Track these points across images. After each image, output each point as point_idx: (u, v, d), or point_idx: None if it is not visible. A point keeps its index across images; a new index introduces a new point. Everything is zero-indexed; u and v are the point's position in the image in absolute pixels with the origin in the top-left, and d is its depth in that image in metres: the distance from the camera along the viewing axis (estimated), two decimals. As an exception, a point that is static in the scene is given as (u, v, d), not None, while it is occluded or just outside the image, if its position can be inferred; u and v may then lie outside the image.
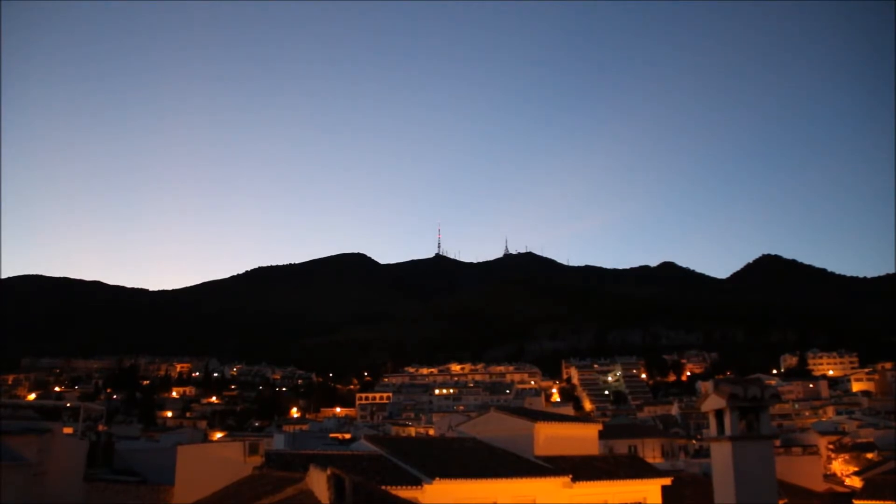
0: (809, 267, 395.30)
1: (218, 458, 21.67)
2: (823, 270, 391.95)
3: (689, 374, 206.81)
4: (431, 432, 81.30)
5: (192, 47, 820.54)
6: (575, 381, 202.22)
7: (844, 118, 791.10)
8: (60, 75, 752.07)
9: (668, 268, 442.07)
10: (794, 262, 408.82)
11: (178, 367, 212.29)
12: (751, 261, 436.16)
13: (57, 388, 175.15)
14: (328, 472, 11.90)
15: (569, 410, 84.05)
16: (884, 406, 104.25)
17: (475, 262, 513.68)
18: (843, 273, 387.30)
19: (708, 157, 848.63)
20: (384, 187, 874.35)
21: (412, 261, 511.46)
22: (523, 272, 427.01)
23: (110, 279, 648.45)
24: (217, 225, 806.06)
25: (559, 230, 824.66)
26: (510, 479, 21.11)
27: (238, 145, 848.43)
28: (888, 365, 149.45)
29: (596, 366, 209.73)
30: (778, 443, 53.70)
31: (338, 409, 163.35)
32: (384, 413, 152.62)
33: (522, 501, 21.29)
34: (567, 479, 22.01)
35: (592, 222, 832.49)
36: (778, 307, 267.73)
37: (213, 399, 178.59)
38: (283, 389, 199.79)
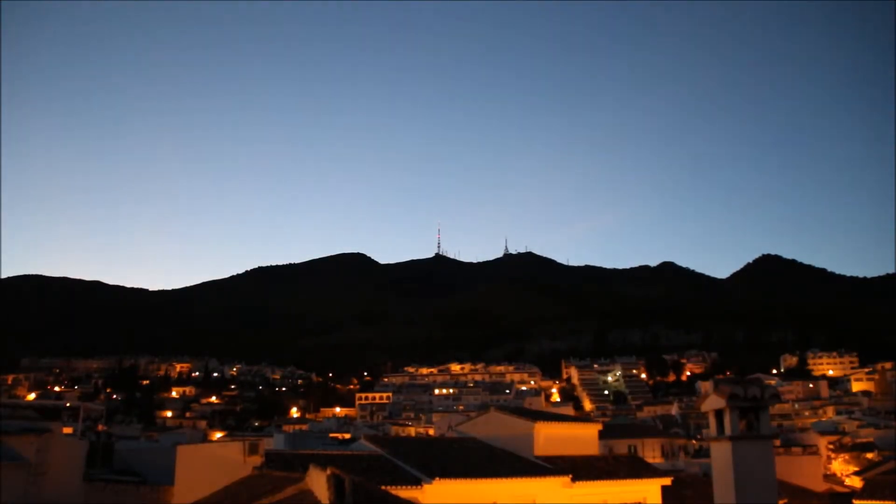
0: (809, 267, 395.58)
1: (218, 458, 21.63)
2: (823, 270, 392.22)
3: (689, 374, 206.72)
4: (431, 432, 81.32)
5: (193, 46, 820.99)
6: (575, 381, 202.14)
7: (844, 118, 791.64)
8: (60, 74, 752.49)
9: (668, 268, 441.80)
10: (794, 261, 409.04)
11: (178, 367, 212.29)
12: (751, 261, 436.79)
13: (57, 388, 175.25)
14: (328, 472, 11.89)
15: (569, 410, 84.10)
16: (884, 406, 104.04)
17: (475, 262, 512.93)
18: (843, 273, 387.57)
19: (708, 156, 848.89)
20: (384, 187, 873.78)
21: (412, 261, 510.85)
22: (523, 272, 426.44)
23: (110, 279, 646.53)
24: (217, 225, 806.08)
25: (559, 230, 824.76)
26: (510, 479, 21.11)
27: (238, 145, 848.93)
28: (888, 365, 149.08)
29: (596, 366, 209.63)
30: (778, 443, 53.64)
31: (338, 409, 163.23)
32: (384, 413, 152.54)
33: (522, 501, 21.29)
34: (567, 479, 22.02)
35: (592, 222, 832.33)
36: (778, 307, 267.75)
37: (213, 399, 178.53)
38: (283, 389, 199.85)
